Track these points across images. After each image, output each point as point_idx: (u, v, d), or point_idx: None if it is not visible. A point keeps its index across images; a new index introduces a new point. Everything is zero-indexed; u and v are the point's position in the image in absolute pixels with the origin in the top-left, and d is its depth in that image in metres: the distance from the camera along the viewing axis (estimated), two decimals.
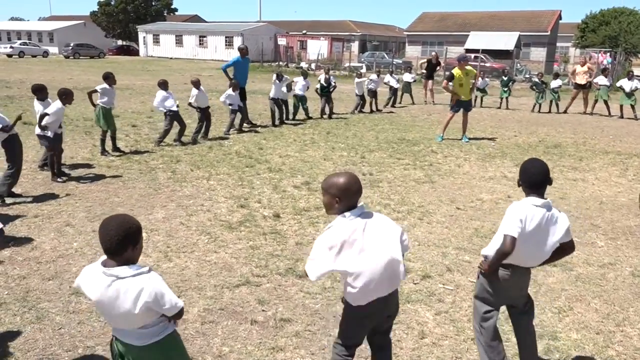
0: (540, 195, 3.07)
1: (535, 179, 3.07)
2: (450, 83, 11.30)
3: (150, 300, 2.31)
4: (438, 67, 20.64)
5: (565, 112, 17.22)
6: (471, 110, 11.96)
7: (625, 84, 15.89)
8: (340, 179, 2.74)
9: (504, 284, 3.16)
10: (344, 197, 2.72)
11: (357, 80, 16.10)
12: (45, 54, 49.50)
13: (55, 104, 7.59)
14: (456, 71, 11.29)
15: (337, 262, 2.67)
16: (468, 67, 11.51)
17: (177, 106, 10.30)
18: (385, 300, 2.83)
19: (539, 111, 17.33)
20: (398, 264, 2.75)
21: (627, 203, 7.48)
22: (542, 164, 3.10)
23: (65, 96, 7.71)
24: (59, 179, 7.69)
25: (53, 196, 7.02)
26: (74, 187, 7.45)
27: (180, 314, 2.45)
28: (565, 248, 3.13)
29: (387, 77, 17.65)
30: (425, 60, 21.35)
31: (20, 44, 49.64)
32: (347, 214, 2.72)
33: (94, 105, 9.18)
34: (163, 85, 10.19)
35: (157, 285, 2.34)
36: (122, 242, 2.30)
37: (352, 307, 2.82)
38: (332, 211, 2.79)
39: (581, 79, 17.03)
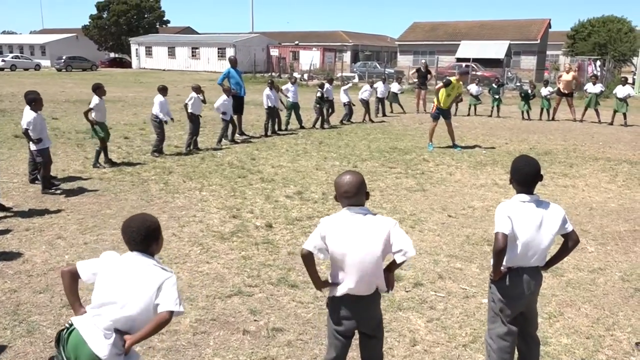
0: (530, 192, 3.12)
1: (525, 177, 3.11)
2: (444, 89, 11.48)
3: (166, 288, 2.45)
4: (429, 76, 20.76)
5: (553, 119, 17.39)
6: (450, 118, 12.05)
7: (619, 90, 16.06)
8: (338, 176, 2.91)
9: (516, 289, 3.12)
10: (337, 194, 2.88)
11: (342, 88, 16.14)
12: (38, 67, 49.46)
13: (29, 114, 7.49)
14: (454, 80, 11.52)
15: (325, 244, 2.86)
16: (460, 83, 11.76)
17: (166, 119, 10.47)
18: (358, 301, 2.90)
19: (529, 118, 17.48)
20: (373, 281, 2.87)
21: (617, 209, 7.54)
22: (533, 161, 3.14)
23: (35, 102, 7.58)
24: (50, 191, 7.68)
25: (44, 209, 7.00)
26: (66, 200, 7.44)
27: (168, 320, 2.47)
28: (568, 239, 3.16)
29: (377, 84, 17.82)
30: (415, 70, 21.47)
31: (12, 57, 49.55)
32: (346, 210, 2.84)
33: (91, 122, 9.19)
34: (162, 90, 10.28)
35: (176, 284, 2.53)
36: (145, 240, 2.52)
37: (331, 297, 2.96)
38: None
39: (564, 87, 17.26)
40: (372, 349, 3.07)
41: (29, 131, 7.42)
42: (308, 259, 2.88)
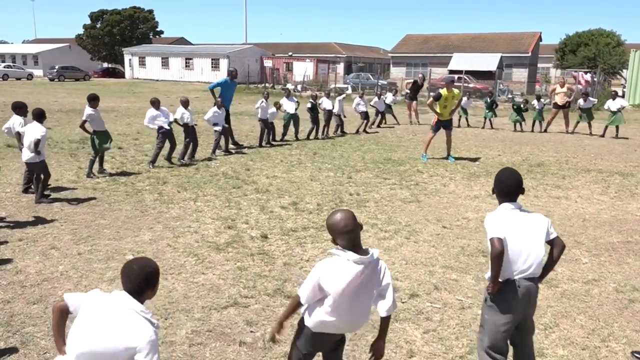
0: (512, 201, 3.21)
1: (509, 188, 3.20)
2: (436, 102, 11.54)
3: (141, 346, 2.30)
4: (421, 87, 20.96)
5: (545, 131, 17.55)
6: (452, 129, 12.13)
7: (611, 104, 16.29)
8: (328, 219, 2.80)
9: (513, 300, 3.14)
10: (334, 235, 2.77)
11: (338, 98, 16.12)
12: (30, 76, 49.22)
13: (40, 128, 7.52)
14: (444, 92, 11.55)
15: (319, 291, 2.77)
16: (455, 90, 11.85)
17: (170, 125, 10.39)
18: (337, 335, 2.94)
19: (521, 130, 17.63)
20: (362, 324, 2.90)
21: (610, 220, 7.60)
22: (515, 173, 3.24)
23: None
24: (43, 200, 7.64)
25: (38, 219, 6.96)
26: (59, 210, 7.39)
27: None
28: (555, 246, 3.19)
29: (374, 100, 17.87)
30: (411, 81, 21.57)
31: (4, 67, 49.27)
32: (344, 254, 2.72)
33: (90, 133, 9.20)
34: (154, 104, 10.22)
35: (154, 341, 2.35)
36: (144, 283, 2.43)
37: (310, 329, 2.88)
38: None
39: (560, 99, 17.44)
40: (338, 357, 3.09)
41: (40, 142, 7.42)
42: (297, 305, 2.87)
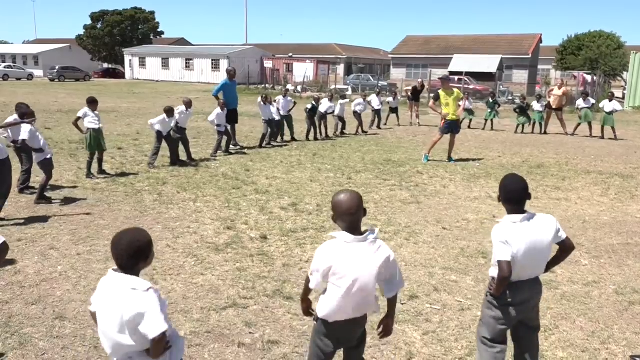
0: (520, 210, 3.13)
1: (513, 194, 3.14)
2: (437, 103, 11.54)
3: (140, 319, 2.31)
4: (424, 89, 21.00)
5: (545, 132, 17.56)
6: (459, 132, 12.14)
7: (607, 105, 16.34)
8: (334, 197, 2.82)
9: (514, 299, 3.14)
10: (335, 214, 2.80)
11: (340, 102, 16.17)
12: (30, 76, 49.28)
13: (24, 127, 7.57)
14: (441, 91, 11.56)
15: (325, 280, 2.81)
16: (455, 90, 11.82)
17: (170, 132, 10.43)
18: (353, 322, 2.89)
19: (522, 132, 17.63)
20: (371, 305, 2.87)
21: (610, 222, 7.59)
22: (520, 179, 3.17)
23: (26, 115, 7.74)
24: (42, 201, 7.64)
25: (37, 219, 6.95)
26: (59, 210, 7.38)
27: (159, 342, 2.34)
28: (564, 248, 3.19)
29: (371, 97, 17.90)
30: (410, 88, 21.56)
31: (5, 67, 49.32)
32: (340, 235, 2.76)
33: (82, 132, 9.23)
34: (168, 112, 10.26)
35: (150, 307, 2.33)
36: (133, 258, 2.43)
37: (323, 321, 2.88)
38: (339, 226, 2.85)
39: (554, 101, 17.47)
40: (356, 356, 3.07)
41: (26, 142, 7.44)
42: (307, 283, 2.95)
